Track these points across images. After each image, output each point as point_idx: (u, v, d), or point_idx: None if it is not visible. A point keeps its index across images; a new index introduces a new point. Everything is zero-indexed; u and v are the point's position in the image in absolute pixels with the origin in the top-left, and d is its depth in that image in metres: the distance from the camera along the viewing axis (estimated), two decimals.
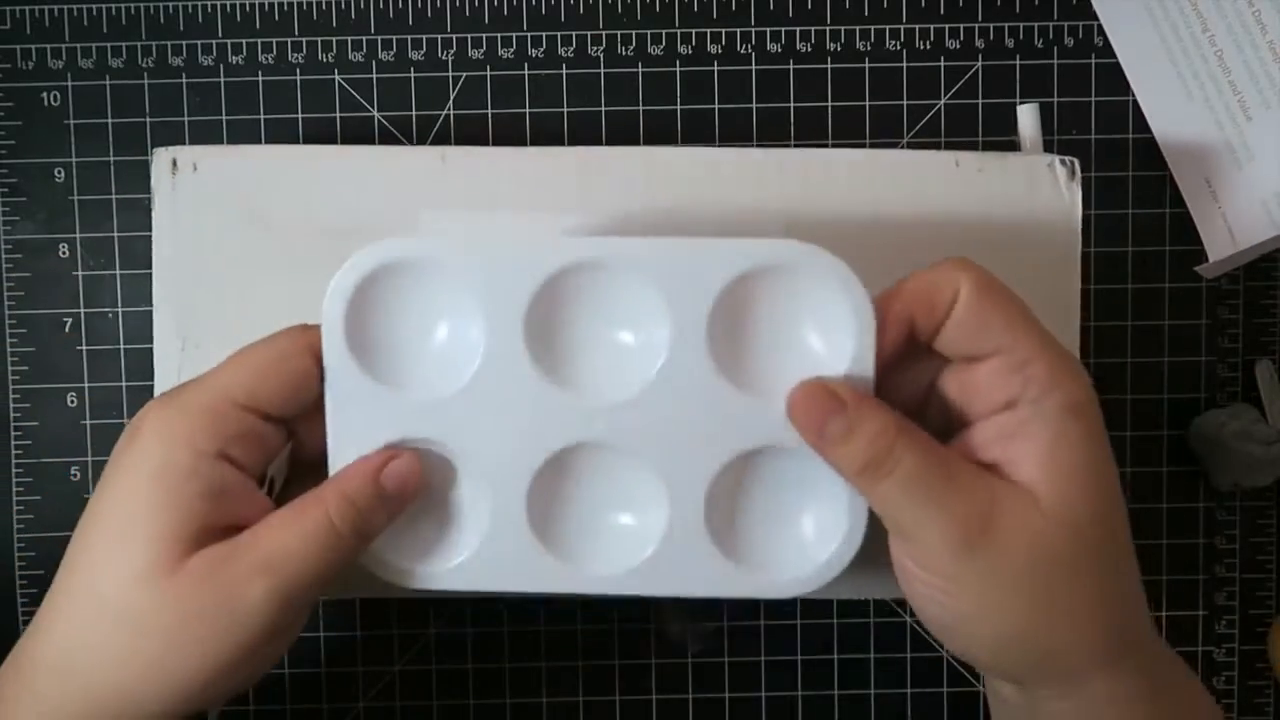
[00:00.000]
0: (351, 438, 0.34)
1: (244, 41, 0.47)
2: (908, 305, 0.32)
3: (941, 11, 0.47)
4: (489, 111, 0.47)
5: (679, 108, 0.47)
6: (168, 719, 0.32)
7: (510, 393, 0.34)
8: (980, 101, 0.47)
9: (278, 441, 0.34)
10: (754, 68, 0.47)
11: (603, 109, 0.47)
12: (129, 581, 0.31)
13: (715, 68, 0.47)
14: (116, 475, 0.32)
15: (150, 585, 0.31)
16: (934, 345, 0.33)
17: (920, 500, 0.31)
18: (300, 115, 0.47)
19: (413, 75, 0.47)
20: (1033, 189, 0.41)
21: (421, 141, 0.47)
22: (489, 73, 0.47)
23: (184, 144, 0.46)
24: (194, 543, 0.31)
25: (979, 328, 0.31)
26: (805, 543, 0.35)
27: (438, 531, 0.36)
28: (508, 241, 0.34)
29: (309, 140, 0.47)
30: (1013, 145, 0.46)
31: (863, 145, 0.47)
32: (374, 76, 0.47)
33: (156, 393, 0.41)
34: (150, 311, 0.41)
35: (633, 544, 0.35)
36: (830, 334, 0.33)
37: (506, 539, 0.35)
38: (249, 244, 0.41)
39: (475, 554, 0.35)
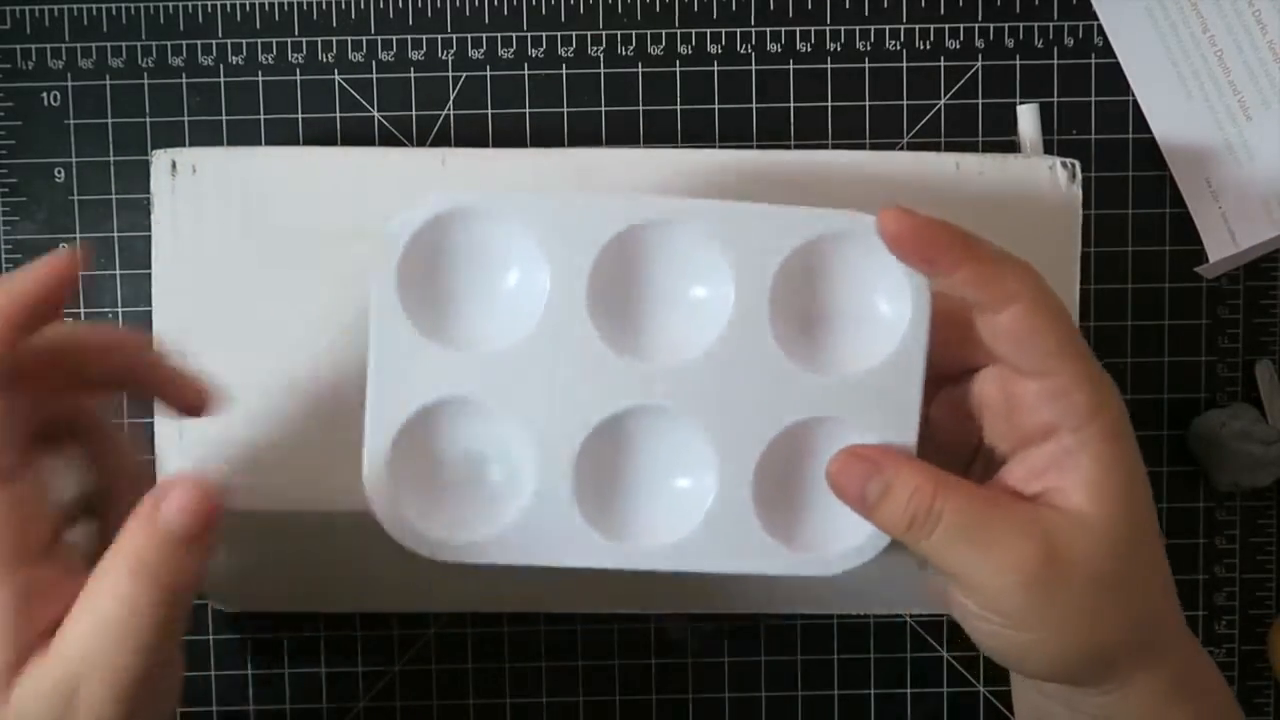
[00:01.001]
0: (394, 392, 0.33)
1: (244, 41, 0.47)
2: (962, 288, 0.31)
3: (941, 11, 0.47)
4: (489, 112, 0.47)
5: (679, 108, 0.47)
6: None
7: (568, 351, 0.32)
8: (980, 101, 0.47)
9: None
10: (754, 68, 0.47)
11: (603, 109, 0.47)
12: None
13: (715, 68, 0.47)
14: None
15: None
16: (977, 331, 0.33)
17: (967, 549, 0.31)
18: (300, 115, 0.47)
19: (413, 75, 0.47)
20: (1033, 191, 0.41)
21: (421, 142, 0.47)
22: (489, 73, 0.47)
23: (184, 144, 0.46)
24: (14, 670, 0.28)
25: (1026, 344, 0.31)
26: (851, 518, 0.34)
27: (475, 500, 0.34)
28: (578, 194, 0.33)
29: (309, 140, 0.47)
30: (1013, 145, 0.46)
31: (863, 145, 0.47)
32: (374, 76, 0.47)
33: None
34: (150, 311, 0.41)
35: (679, 517, 0.34)
36: (887, 306, 0.33)
37: (549, 509, 0.33)
38: (249, 246, 0.41)
39: (515, 525, 0.33)
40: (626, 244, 0.32)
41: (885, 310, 0.33)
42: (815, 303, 0.34)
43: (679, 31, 0.47)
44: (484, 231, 0.33)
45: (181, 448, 0.40)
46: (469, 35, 0.47)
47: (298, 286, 0.41)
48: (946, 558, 0.31)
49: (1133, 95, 0.47)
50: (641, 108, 0.47)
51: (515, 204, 0.32)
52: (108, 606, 0.28)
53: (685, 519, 0.34)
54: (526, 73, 0.47)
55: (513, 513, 0.33)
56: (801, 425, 0.33)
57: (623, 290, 0.33)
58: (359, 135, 0.47)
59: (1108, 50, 0.47)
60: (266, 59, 0.47)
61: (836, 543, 0.34)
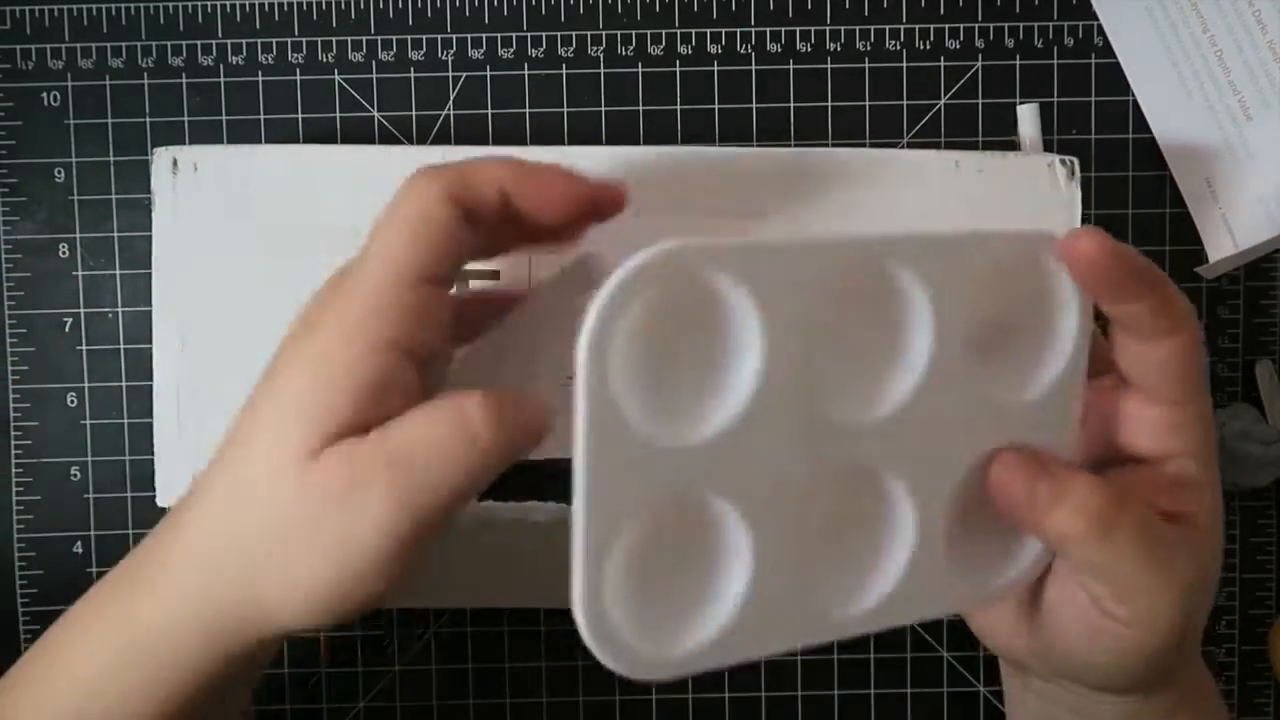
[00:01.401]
0: (612, 504, 0.27)
1: (244, 42, 0.47)
2: (1137, 315, 0.31)
3: (941, 11, 0.47)
4: (489, 111, 0.47)
5: (679, 108, 0.47)
6: (290, 630, 0.30)
7: (784, 425, 0.28)
8: (980, 101, 0.47)
9: (445, 312, 0.31)
10: (754, 68, 0.47)
11: (603, 109, 0.47)
12: (272, 471, 0.29)
13: (715, 68, 0.47)
14: (284, 354, 0.31)
15: (289, 476, 0.29)
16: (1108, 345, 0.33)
17: (1150, 561, 0.30)
18: (300, 115, 0.47)
19: (413, 75, 0.47)
20: (1033, 189, 0.41)
21: (421, 141, 0.47)
22: (489, 73, 0.47)
23: (184, 144, 0.46)
24: (339, 436, 0.29)
25: (1176, 377, 0.31)
26: (1014, 542, 0.33)
27: (695, 600, 0.29)
28: (786, 239, 0.29)
29: (309, 140, 0.47)
30: (1013, 145, 0.46)
31: (863, 145, 0.47)
32: (374, 76, 0.47)
33: (155, 393, 0.41)
34: (150, 311, 0.41)
35: (879, 577, 0.31)
36: (1054, 322, 0.32)
37: (770, 595, 0.29)
38: (249, 244, 0.41)
39: (737, 621, 0.29)
40: (832, 289, 0.29)
41: (1053, 327, 0.32)
42: (991, 324, 0.32)
43: (679, 31, 0.47)
44: (696, 291, 0.28)
45: (181, 445, 0.40)
46: (469, 35, 0.47)
47: (298, 284, 0.40)
48: (1124, 563, 0.30)
49: (1133, 95, 0.47)
50: (641, 108, 0.47)
51: (733, 254, 0.27)
52: (452, 412, 0.28)
53: (885, 577, 0.31)
54: (526, 73, 0.47)
55: (734, 606, 0.29)
56: (982, 457, 0.32)
57: (826, 341, 0.29)
58: (359, 135, 0.47)
59: (1108, 50, 0.47)
60: (266, 59, 0.47)
61: (999, 565, 0.33)
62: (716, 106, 0.47)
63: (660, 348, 0.28)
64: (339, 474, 0.28)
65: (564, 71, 0.47)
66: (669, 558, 0.29)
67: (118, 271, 0.47)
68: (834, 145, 0.47)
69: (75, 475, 0.47)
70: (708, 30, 0.47)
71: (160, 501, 0.41)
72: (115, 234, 0.47)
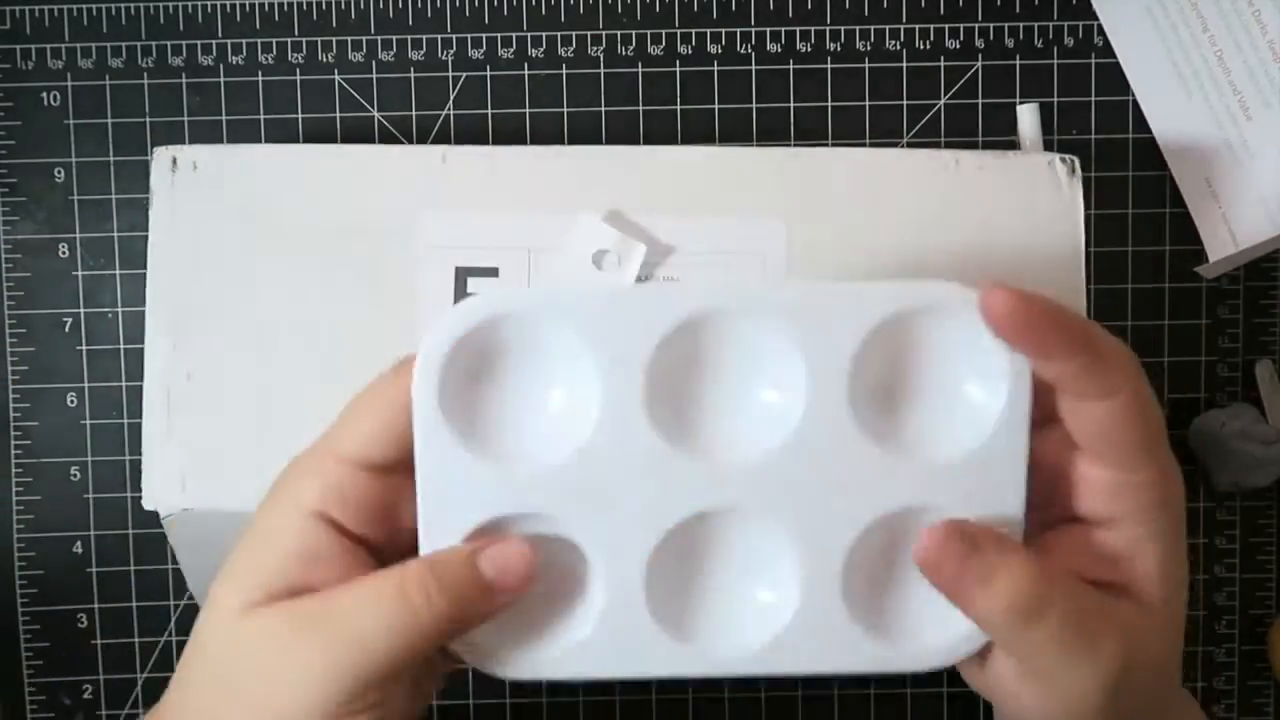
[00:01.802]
0: (446, 515, 0.30)
1: (244, 41, 0.47)
2: (1067, 376, 0.29)
3: (941, 11, 0.47)
4: (489, 111, 0.47)
5: (679, 108, 0.47)
6: None
7: (628, 458, 0.30)
8: (980, 101, 0.47)
9: (392, 496, 0.31)
10: (754, 68, 0.47)
11: (603, 109, 0.47)
12: (215, 626, 0.30)
13: (715, 68, 0.47)
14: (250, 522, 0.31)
15: (228, 632, 0.29)
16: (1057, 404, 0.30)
17: (1073, 647, 0.29)
18: (300, 115, 0.47)
19: (413, 75, 0.47)
20: (1033, 187, 0.41)
21: (421, 141, 0.47)
22: (489, 73, 0.47)
23: (184, 144, 0.46)
24: (276, 597, 0.29)
25: (1116, 441, 0.29)
26: (948, 609, 0.31)
27: (541, 616, 0.31)
28: (628, 289, 0.31)
29: (309, 140, 0.47)
30: (1013, 145, 0.46)
31: (863, 145, 0.47)
32: (374, 76, 0.47)
33: (146, 391, 0.40)
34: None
35: (762, 620, 0.31)
36: (981, 384, 0.30)
37: (623, 622, 0.30)
38: (247, 243, 0.41)
39: (588, 640, 0.31)
40: (684, 336, 0.30)
41: (978, 389, 0.31)
42: (900, 382, 0.31)
43: (679, 31, 0.47)
44: (527, 333, 0.30)
45: (169, 447, 0.40)
46: (469, 35, 0.47)
47: (297, 283, 0.40)
48: (1041, 653, 0.29)
49: (1133, 95, 0.47)
50: (641, 108, 0.47)
51: (557, 303, 0.29)
52: (392, 590, 0.29)
53: (770, 621, 0.31)
54: (526, 73, 0.47)
55: (584, 628, 0.31)
56: (891, 516, 0.31)
57: (685, 385, 0.31)
58: (359, 135, 0.47)
59: (1108, 50, 0.47)
60: (266, 59, 0.47)
61: (930, 635, 0.31)
62: (716, 106, 0.47)
63: (492, 381, 0.30)
64: (276, 627, 0.29)
65: (564, 71, 0.47)
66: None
67: (118, 271, 0.47)
68: (834, 145, 0.47)
69: (75, 475, 0.47)
70: (708, 30, 0.47)
71: (146, 505, 0.39)
72: (115, 234, 0.47)
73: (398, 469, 0.30)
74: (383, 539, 0.31)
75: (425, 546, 0.30)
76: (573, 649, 0.31)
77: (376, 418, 0.30)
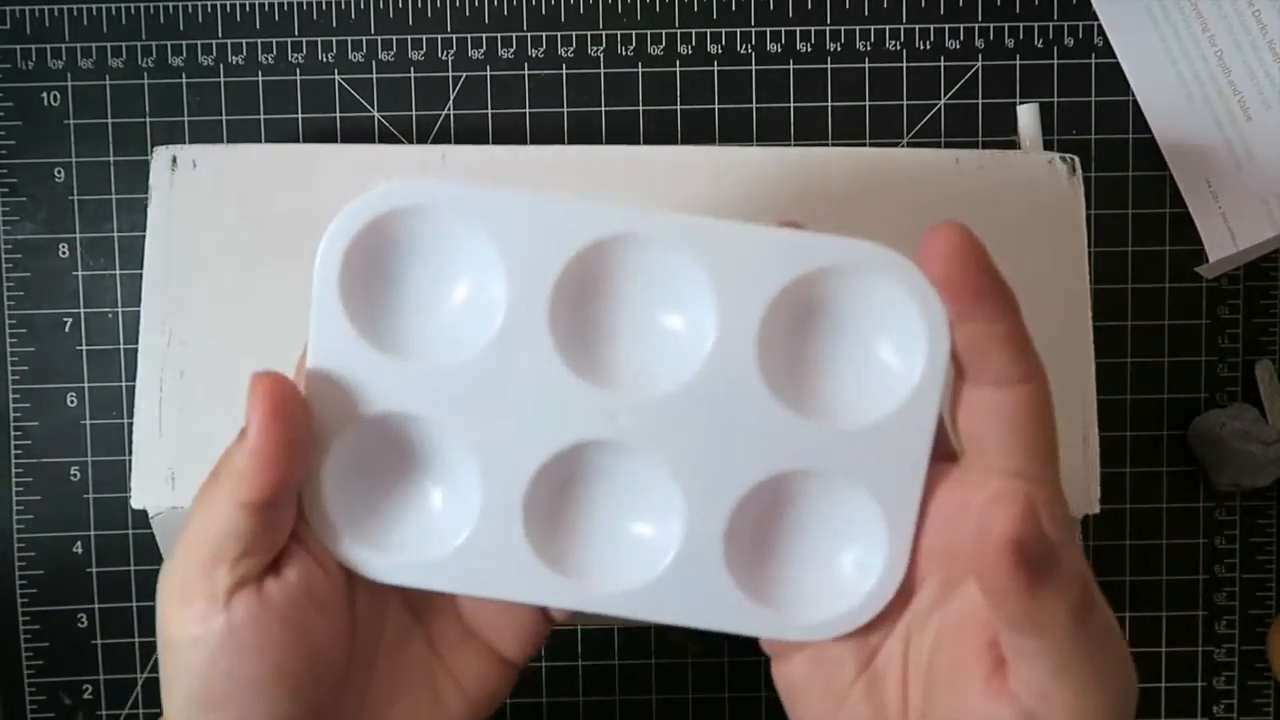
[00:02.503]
0: (332, 402, 0.29)
1: (244, 41, 0.47)
2: (986, 347, 0.27)
3: (941, 11, 0.47)
4: (489, 111, 0.47)
5: (679, 108, 0.47)
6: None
7: (525, 373, 0.29)
8: (980, 101, 0.47)
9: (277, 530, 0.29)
10: (754, 68, 0.47)
11: (603, 109, 0.47)
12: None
13: (715, 68, 0.47)
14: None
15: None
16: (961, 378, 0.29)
17: (1108, 651, 0.26)
18: (300, 115, 0.47)
19: (413, 75, 0.47)
20: (1033, 186, 0.41)
21: (421, 141, 0.47)
22: (489, 73, 0.47)
23: (184, 144, 0.46)
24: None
25: (1021, 434, 0.27)
26: (837, 581, 0.30)
27: (418, 521, 0.31)
28: (544, 197, 0.28)
29: (309, 140, 0.47)
30: (1013, 145, 0.47)
31: (863, 145, 0.47)
32: (374, 76, 0.47)
33: (138, 388, 0.40)
34: None
35: (640, 562, 0.30)
36: (896, 351, 0.29)
37: (496, 539, 0.30)
38: (245, 242, 0.41)
39: (457, 551, 0.30)
40: (598, 256, 0.29)
41: (893, 357, 0.29)
42: (812, 340, 0.30)
43: (679, 31, 0.47)
44: (438, 229, 0.29)
45: (162, 444, 0.39)
46: (469, 35, 0.47)
47: (294, 282, 0.40)
48: (1087, 654, 0.26)
49: (1133, 95, 0.47)
50: (641, 108, 0.47)
51: (472, 201, 0.28)
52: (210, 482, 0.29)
53: (647, 565, 0.30)
54: (526, 73, 0.47)
55: (457, 539, 0.30)
56: (786, 476, 0.30)
57: (592, 308, 0.29)
58: (359, 135, 0.47)
59: (1108, 50, 0.47)
60: (266, 59, 0.47)
61: (824, 605, 0.30)
62: (716, 106, 0.47)
63: (398, 275, 0.29)
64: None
65: (564, 71, 0.47)
66: (408, 477, 0.31)
67: (118, 271, 0.47)
68: (834, 145, 0.47)
69: (75, 475, 0.47)
70: (708, 30, 0.47)
71: (135, 502, 0.39)
72: (115, 234, 0.47)
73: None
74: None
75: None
76: (441, 560, 0.30)
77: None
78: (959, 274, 0.26)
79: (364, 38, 0.47)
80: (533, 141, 0.47)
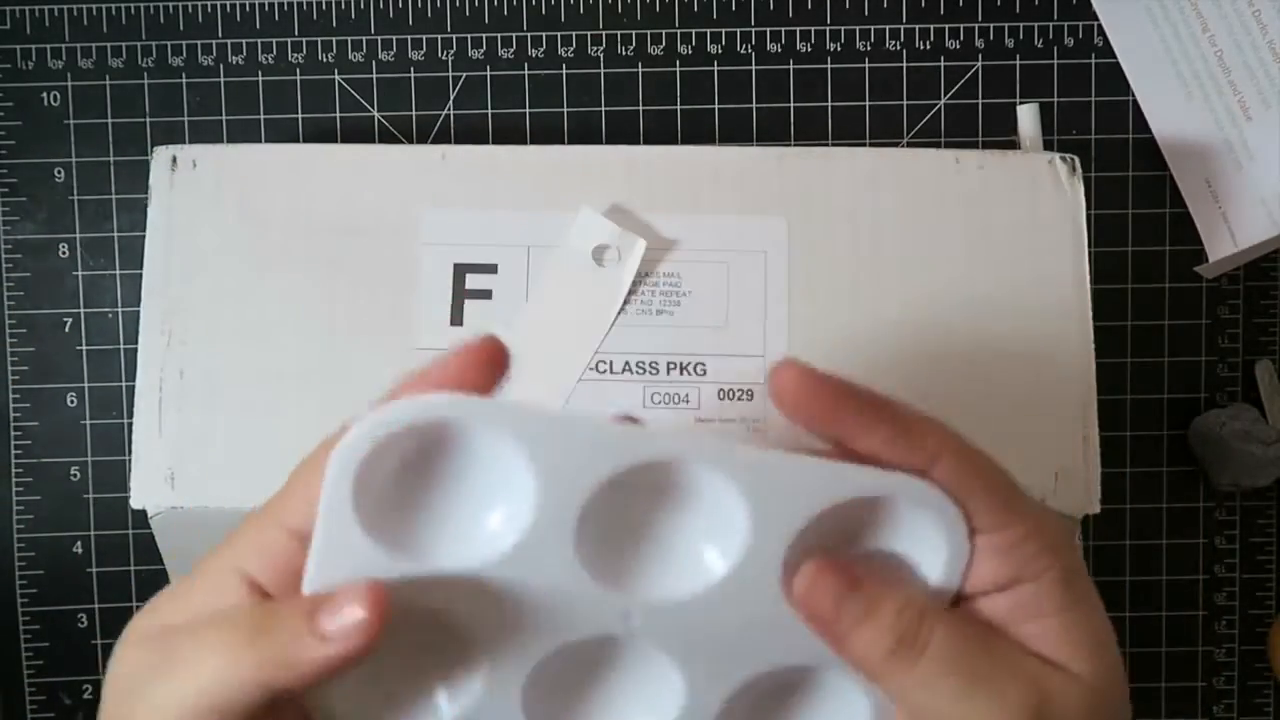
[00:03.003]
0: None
1: (244, 41, 0.47)
2: (878, 452, 0.28)
3: (941, 11, 0.47)
4: (489, 111, 0.47)
5: (679, 108, 0.47)
6: None
7: (542, 580, 0.28)
8: (980, 101, 0.47)
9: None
10: (754, 68, 0.47)
11: (603, 109, 0.47)
12: (115, 652, 0.29)
13: (715, 68, 0.47)
14: None
15: (116, 661, 0.29)
16: None
17: (967, 682, 0.27)
18: (300, 115, 0.47)
19: (413, 75, 0.47)
20: (1034, 186, 0.41)
21: (421, 141, 0.47)
22: (489, 73, 0.47)
23: (184, 144, 0.46)
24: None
25: (965, 502, 0.28)
26: None
27: (411, 708, 0.30)
28: (581, 418, 0.28)
29: (309, 140, 0.47)
30: (1013, 145, 0.47)
31: (863, 145, 0.47)
32: (374, 76, 0.47)
33: (138, 387, 0.40)
34: None
35: None
36: (918, 567, 0.29)
37: None
38: (245, 242, 0.41)
39: None
40: (631, 477, 0.28)
41: (913, 571, 0.29)
42: (834, 548, 0.29)
43: (679, 31, 0.47)
44: (464, 439, 0.28)
45: (161, 444, 0.39)
46: (469, 35, 0.47)
47: (295, 282, 0.40)
48: (933, 693, 0.27)
49: (1133, 95, 0.47)
50: (641, 108, 0.47)
51: (508, 417, 0.27)
52: (223, 634, 0.27)
53: None
54: (526, 73, 0.47)
55: None
56: (787, 669, 0.30)
57: (619, 518, 0.29)
58: (359, 135, 0.47)
59: (1108, 50, 0.47)
60: (266, 59, 0.47)
61: None
62: (716, 106, 0.47)
63: (418, 477, 0.28)
64: (143, 657, 0.28)
65: (564, 71, 0.47)
66: (409, 674, 0.30)
67: (118, 271, 0.47)
68: (834, 145, 0.47)
69: (75, 475, 0.47)
70: (708, 30, 0.47)
71: (134, 502, 0.39)
72: (115, 234, 0.47)
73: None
74: None
75: None
76: None
77: (309, 491, 0.28)
78: (807, 411, 0.27)
79: (364, 38, 0.47)
80: (533, 141, 0.47)
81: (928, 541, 0.28)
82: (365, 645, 0.26)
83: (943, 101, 0.47)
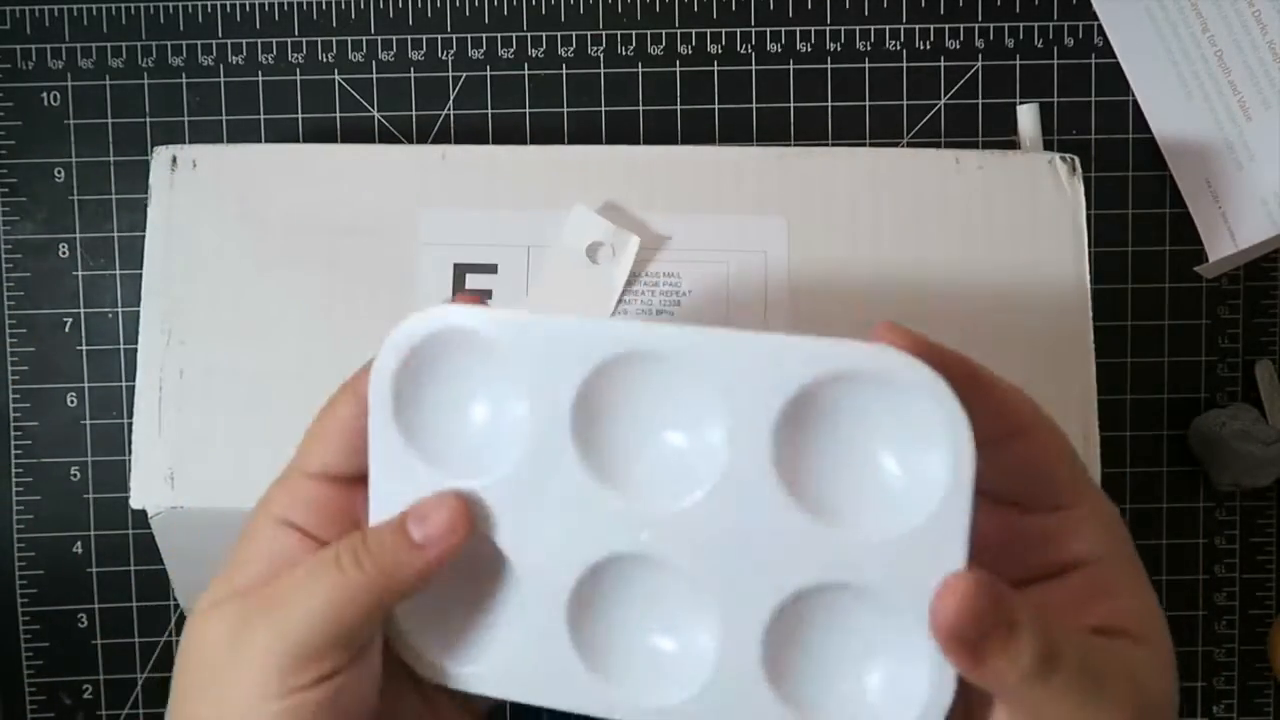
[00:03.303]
0: (394, 510, 0.30)
1: (244, 41, 0.47)
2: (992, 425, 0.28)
3: (941, 11, 0.47)
4: (489, 111, 0.47)
5: (679, 108, 0.47)
6: None
7: (554, 487, 0.30)
8: (980, 101, 0.47)
9: (357, 503, 0.31)
10: (754, 68, 0.47)
11: (603, 109, 0.47)
12: (187, 629, 0.30)
13: (715, 68, 0.47)
14: None
15: (194, 632, 0.30)
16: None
17: (1088, 697, 0.26)
18: (300, 115, 0.47)
19: (413, 75, 0.47)
20: (1033, 187, 0.41)
21: (421, 141, 0.47)
22: (489, 73, 0.47)
23: (184, 144, 0.46)
24: (232, 596, 0.30)
25: (1046, 476, 0.29)
26: (874, 705, 0.29)
27: (470, 628, 0.32)
28: (559, 318, 0.29)
29: (309, 140, 0.47)
30: (1013, 145, 0.47)
31: (863, 145, 0.47)
32: (374, 76, 0.47)
33: (138, 387, 0.40)
34: None
35: (681, 675, 0.30)
36: (918, 456, 0.28)
37: (544, 649, 0.30)
38: (245, 241, 0.41)
39: (509, 662, 0.31)
40: (612, 374, 0.29)
41: (919, 462, 0.28)
42: (834, 445, 0.29)
43: (679, 31, 0.47)
44: (473, 353, 0.30)
45: (161, 444, 0.40)
46: (469, 35, 0.47)
47: (295, 281, 0.40)
48: (1059, 704, 0.26)
49: (1133, 95, 0.47)
50: (641, 108, 0.47)
51: (493, 326, 0.29)
52: (323, 559, 0.29)
53: (689, 677, 0.30)
54: (526, 73, 0.47)
55: (506, 650, 0.31)
56: (818, 588, 0.28)
57: (611, 424, 0.30)
58: (359, 135, 0.47)
59: (1108, 50, 0.47)
60: (266, 59, 0.47)
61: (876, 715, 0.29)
62: (716, 106, 0.47)
63: (440, 393, 0.31)
64: (229, 618, 0.29)
65: (564, 71, 0.47)
66: (462, 585, 0.31)
67: (118, 271, 0.47)
68: (834, 145, 0.47)
69: (75, 475, 0.47)
70: (708, 30, 0.47)
71: (134, 502, 0.39)
72: (115, 234, 0.47)
73: (358, 479, 0.31)
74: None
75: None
76: (498, 667, 0.31)
77: (332, 435, 0.31)
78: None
79: (364, 38, 0.47)
80: (533, 141, 0.47)
81: (924, 431, 0.27)
82: (456, 546, 0.29)
83: (943, 101, 0.47)
